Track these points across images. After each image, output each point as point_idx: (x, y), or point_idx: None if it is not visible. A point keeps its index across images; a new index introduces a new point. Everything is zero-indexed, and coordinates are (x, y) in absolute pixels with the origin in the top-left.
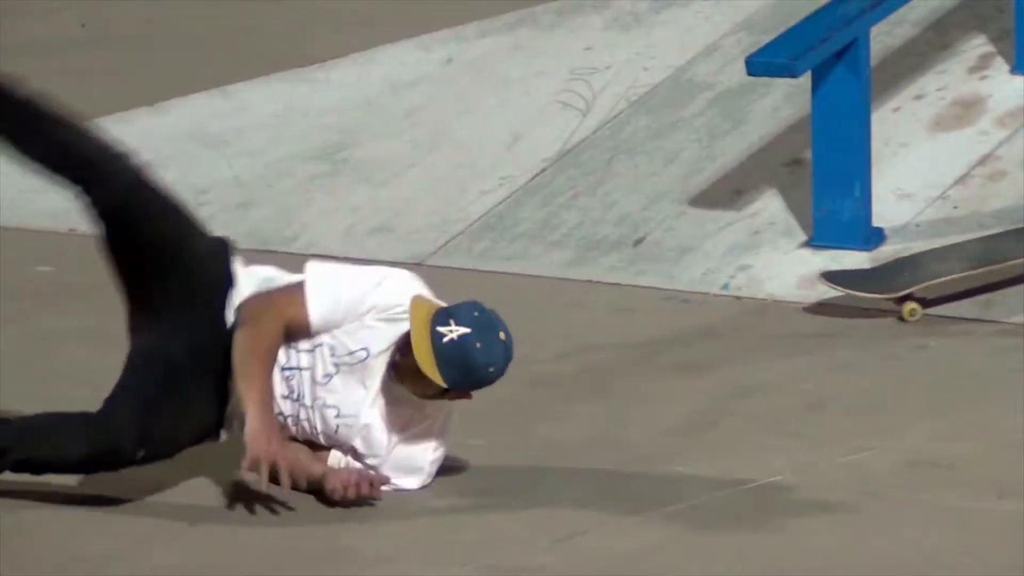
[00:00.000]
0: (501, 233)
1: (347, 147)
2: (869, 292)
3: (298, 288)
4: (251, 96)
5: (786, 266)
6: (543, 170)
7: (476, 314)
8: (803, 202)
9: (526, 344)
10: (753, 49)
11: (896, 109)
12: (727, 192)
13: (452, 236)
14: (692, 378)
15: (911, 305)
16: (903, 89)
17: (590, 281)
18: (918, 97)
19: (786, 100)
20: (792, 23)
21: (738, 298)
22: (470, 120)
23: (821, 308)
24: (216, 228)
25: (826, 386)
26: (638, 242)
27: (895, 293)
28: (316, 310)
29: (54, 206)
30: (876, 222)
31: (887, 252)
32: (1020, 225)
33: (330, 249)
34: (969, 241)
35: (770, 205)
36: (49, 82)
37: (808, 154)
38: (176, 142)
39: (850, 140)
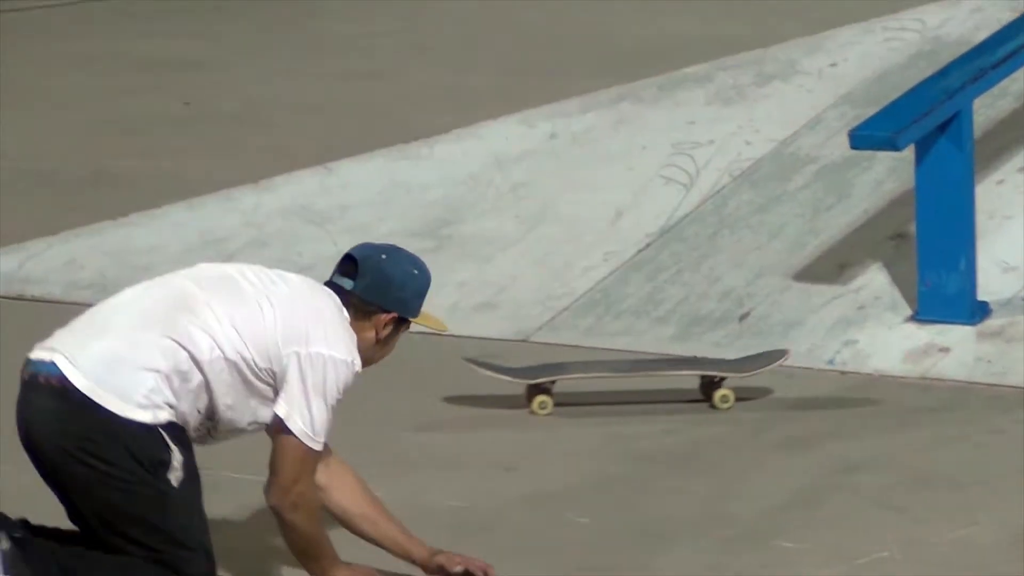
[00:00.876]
0: (606, 308)
1: (451, 223)
2: (503, 374)
3: (299, 450)
4: (355, 172)
5: (891, 341)
6: (647, 245)
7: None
8: (908, 276)
9: (632, 421)
10: (856, 122)
11: (1000, 182)
12: (832, 266)
13: (557, 312)
14: (799, 453)
15: (541, 398)
16: (1007, 161)
17: (695, 356)
18: (1022, 169)
19: (890, 173)
20: (895, 96)
21: (844, 373)
22: (574, 195)
23: (926, 383)
24: None
25: (932, 461)
26: (743, 317)
27: (529, 380)
28: (319, 442)
29: None
30: (981, 296)
31: (993, 326)
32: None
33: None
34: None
35: (875, 279)
36: (154, 160)
37: (912, 228)
38: (280, 219)
39: (954, 213)
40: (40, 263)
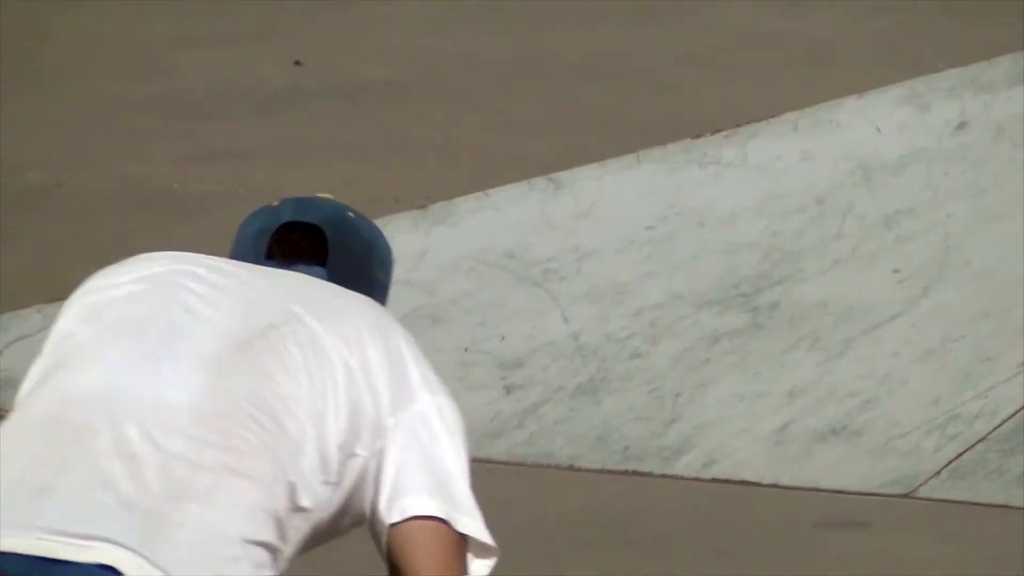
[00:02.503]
0: None
1: (778, 283)
2: None
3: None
4: (602, 191)
5: None
6: None
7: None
8: None
9: None
10: None
11: None
12: None
13: (969, 444)
14: None
15: None
16: None
17: None
18: None
19: None
20: None
21: None
22: (998, 231)
23: None
24: (540, 432)
25: None
26: None
27: None
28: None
29: None
30: None
31: None
32: None
33: (746, 469)
34: None
35: None
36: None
37: None
38: (465, 275)
39: None
40: None
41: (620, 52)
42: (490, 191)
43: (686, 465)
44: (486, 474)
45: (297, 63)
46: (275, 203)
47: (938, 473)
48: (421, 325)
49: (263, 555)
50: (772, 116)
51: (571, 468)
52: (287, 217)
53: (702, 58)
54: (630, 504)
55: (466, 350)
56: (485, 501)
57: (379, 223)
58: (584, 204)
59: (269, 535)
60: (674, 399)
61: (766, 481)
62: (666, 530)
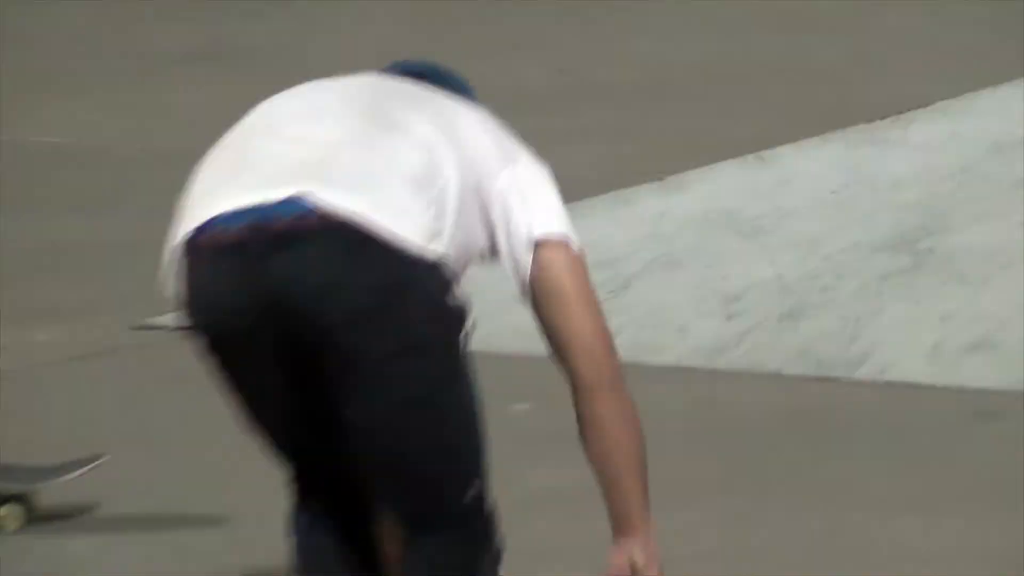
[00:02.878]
0: None
1: (933, 233)
2: None
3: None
4: (798, 164)
5: None
6: None
7: None
8: None
9: None
10: None
11: None
12: None
13: None
14: None
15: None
16: None
17: None
18: None
19: None
20: None
21: None
22: None
23: None
24: (753, 348)
25: None
26: None
27: None
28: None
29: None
30: None
31: None
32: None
33: (912, 374)
34: None
35: None
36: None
37: None
38: (695, 230)
39: None
40: None
41: (804, 52)
42: (712, 166)
43: (865, 372)
44: (713, 381)
45: (560, 70)
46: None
47: None
48: (663, 269)
49: (425, 206)
50: (926, 104)
51: (777, 375)
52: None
53: (870, 57)
54: (823, 403)
55: (697, 288)
56: (712, 402)
57: (628, 191)
58: (784, 174)
59: (424, 196)
60: (855, 322)
61: (926, 383)
62: (851, 422)
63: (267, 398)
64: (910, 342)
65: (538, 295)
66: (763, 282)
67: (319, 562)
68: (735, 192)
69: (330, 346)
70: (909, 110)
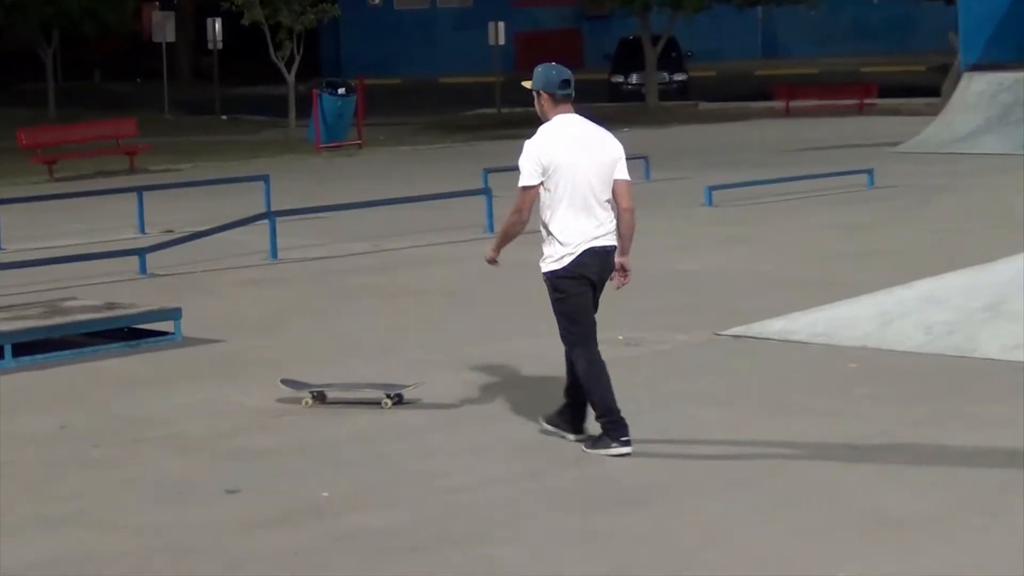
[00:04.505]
0: None
1: None
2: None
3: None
4: None
5: None
6: None
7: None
8: None
9: None
10: None
11: None
12: None
13: None
14: None
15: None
16: None
17: None
18: None
19: None
20: None
21: None
22: None
23: None
24: None
25: None
26: None
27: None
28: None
29: None
30: None
31: None
32: None
33: None
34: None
35: None
36: None
37: None
38: None
39: None
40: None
41: None
42: None
43: None
44: None
45: None
46: (553, 63)
47: None
48: None
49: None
50: None
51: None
52: (566, 75)
53: None
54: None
55: None
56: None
57: None
58: None
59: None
60: None
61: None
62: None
63: (587, 299)
64: None
65: (617, 191)
66: None
67: (602, 364)
68: None
69: (601, 285)
70: None
